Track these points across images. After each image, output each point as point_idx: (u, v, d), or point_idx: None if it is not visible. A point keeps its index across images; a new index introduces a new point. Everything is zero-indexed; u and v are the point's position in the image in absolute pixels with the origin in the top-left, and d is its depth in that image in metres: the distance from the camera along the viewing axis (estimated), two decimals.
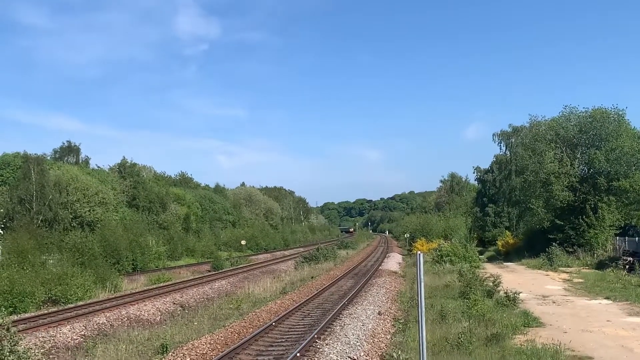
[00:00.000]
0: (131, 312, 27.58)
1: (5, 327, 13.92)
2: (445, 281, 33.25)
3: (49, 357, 18.28)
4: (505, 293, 24.92)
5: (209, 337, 19.60)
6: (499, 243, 66.94)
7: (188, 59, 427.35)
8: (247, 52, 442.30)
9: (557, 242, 47.55)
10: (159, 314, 28.76)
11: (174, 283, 40.35)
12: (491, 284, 27.70)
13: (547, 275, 40.14)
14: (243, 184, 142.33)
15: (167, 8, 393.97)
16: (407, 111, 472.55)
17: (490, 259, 59.91)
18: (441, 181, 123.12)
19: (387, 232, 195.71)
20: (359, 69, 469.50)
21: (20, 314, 26.10)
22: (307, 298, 29.49)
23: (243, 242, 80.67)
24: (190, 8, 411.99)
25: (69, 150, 77.16)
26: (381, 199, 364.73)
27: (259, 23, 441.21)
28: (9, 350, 13.45)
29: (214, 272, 50.46)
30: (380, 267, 50.08)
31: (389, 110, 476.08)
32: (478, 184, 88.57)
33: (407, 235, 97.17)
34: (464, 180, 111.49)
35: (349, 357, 16.05)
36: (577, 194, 49.77)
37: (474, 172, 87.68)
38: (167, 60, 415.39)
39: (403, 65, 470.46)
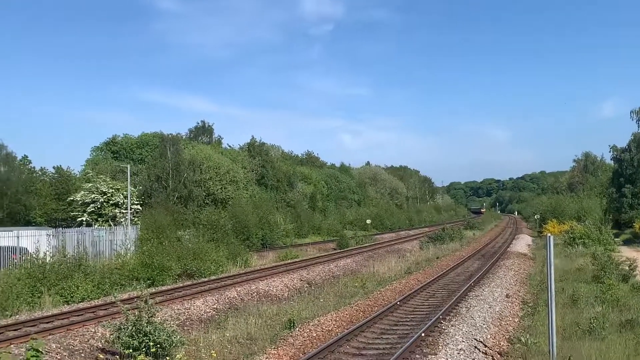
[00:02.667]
0: (260, 287, 28.29)
1: (144, 299, 14.70)
2: (577, 264, 32.10)
3: (183, 329, 19.01)
4: None
5: (334, 314, 19.86)
6: (636, 225, 63.49)
7: (313, 38, 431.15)
8: (371, 30, 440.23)
9: None
10: (287, 289, 29.33)
11: (301, 260, 41.02)
12: (627, 267, 26.49)
13: None
14: (368, 163, 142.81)
15: None
16: (540, 88, 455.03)
17: (627, 242, 57.02)
18: (574, 160, 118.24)
19: (516, 213, 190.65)
20: (484, 45, 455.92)
21: (157, 286, 27.28)
22: (432, 279, 29.30)
23: (368, 221, 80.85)
24: None
25: (203, 130, 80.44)
26: (510, 179, 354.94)
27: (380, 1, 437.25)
28: (146, 321, 14.18)
29: (339, 250, 50.92)
30: (508, 249, 48.90)
31: (519, 87, 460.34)
32: (614, 163, 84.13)
33: (537, 216, 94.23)
34: (599, 159, 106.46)
35: (475, 339, 15.81)
36: None
37: (610, 151, 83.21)
38: (293, 41, 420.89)
39: (534, 40, 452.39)
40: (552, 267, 12.30)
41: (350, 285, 28.67)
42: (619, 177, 77.67)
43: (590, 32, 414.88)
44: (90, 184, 45.83)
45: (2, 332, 16.78)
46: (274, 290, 28.54)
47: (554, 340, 12.04)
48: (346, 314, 20.16)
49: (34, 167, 56.34)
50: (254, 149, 77.26)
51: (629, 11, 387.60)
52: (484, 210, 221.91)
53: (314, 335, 17.02)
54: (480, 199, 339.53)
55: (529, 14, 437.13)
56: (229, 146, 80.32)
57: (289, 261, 40.35)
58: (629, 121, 76.80)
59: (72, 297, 23.61)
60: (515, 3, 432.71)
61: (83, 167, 60.26)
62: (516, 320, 19.44)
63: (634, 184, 72.53)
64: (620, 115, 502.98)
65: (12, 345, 14.63)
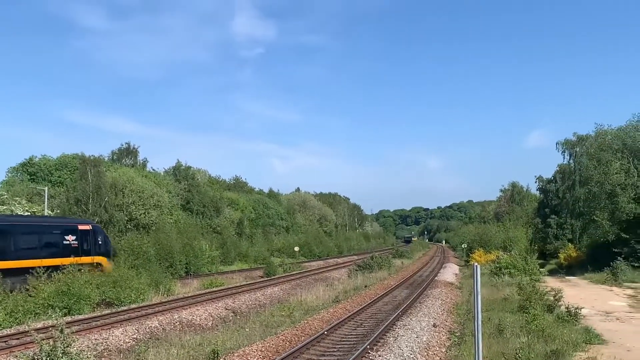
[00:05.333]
0: (183, 316, 27.53)
1: (59, 328, 13.92)
2: (503, 294, 32.29)
3: (101, 359, 18.20)
4: (567, 308, 23.98)
5: (260, 344, 19.39)
6: (561, 256, 64.97)
7: (245, 61, 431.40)
8: (304, 55, 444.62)
9: (622, 256, 45.75)
10: (211, 319, 28.64)
11: (227, 288, 40.27)
12: (552, 298, 26.69)
13: (611, 290, 38.65)
14: (298, 190, 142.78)
15: (225, 10, 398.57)
16: (467, 117, 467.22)
17: (552, 273, 58.09)
18: (501, 190, 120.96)
19: (443, 241, 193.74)
20: (419, 74, 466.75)
21: (74, 315, 26.29)
22: (360, 307, 28.98)
23: (296, 249, 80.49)
24: (247, 10, 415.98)
25: (127, 152, 78.51)
26: (438, 207, 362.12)
27: (316, 26, 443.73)
28: (62, 351, 13.53)
29: (266, 278, 50.27)
30: (436, 278, 49.17)
31: (448, 116, 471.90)
32: (540, 194, 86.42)
33: (464, 245, 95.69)
34: (525, 190, 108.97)
35: None
36: None
37: (535, 182, 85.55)
38: (225, 63, 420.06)
39: (463, 70, 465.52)
40: (479, 297, 12.01)
41: (277, 314, 28.11)
42: (544, 207, 79.59)
43: (520, 63, 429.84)
44: (5, 207, 43.98)
45: None
46: (198, 320, 27.76)
47: None
48: (272, 344, 19.61)
49: None
50: (180, 172, 76.10)
51: (553, 43, 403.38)
52: (415, 238, 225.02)
53: None
54: (409, 227, 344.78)
55: (461, 44, 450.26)
56: (154, 169, 78.82)
57: (214, 289, 39.54)
58: (555, 152, 78.96)
59: None
60: (450, 33, 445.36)
61: None
62: (443, 350, 19.20)
63: (558, 215, 74.37)
64: (547, 146, 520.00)
65: None
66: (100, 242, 37.25)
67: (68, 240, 34.21)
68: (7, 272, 28.27)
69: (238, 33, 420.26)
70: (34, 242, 31.95)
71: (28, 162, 64.43)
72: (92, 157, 56.06)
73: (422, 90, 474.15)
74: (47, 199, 44.08)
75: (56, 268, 29.50)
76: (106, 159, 70.04)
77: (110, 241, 40.25)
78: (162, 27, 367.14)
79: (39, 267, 28.26)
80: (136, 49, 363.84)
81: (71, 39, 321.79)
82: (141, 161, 79.90)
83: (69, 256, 32.90)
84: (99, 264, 36.07)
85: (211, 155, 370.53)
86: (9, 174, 64.14)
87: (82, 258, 33.94)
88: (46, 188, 47.06)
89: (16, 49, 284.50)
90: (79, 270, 29.66)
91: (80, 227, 36.13)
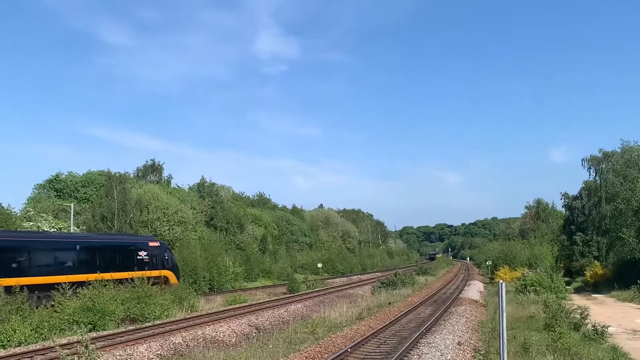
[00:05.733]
0: (207, 332, 27.53)
1: (84, 344, 13.99)
2: (529, 312, 31.96)
3: None
4: (593, 326, 23.72)
5: None
6: (587, 274, 64.28)
7: (267, 78, 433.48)
8: (325, 71, 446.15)
9: None
10: (234, 335, 28.61)
11: (250, 304, 40.25)
12: (578, 316, 26.41)
13: (638, 308, 38.21)
14: (321, 206, 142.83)
15: (247, 28, 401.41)
16: (489, 132, 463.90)
17: (578, 290, 57.53)
18: (526, 207, 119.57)
19: (468, 258, 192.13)
20: (438, 89, 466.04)
21: (99, 331, 26.39)
22: (384, 325, 28.81)
23: (320, 265, 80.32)
24: (270, 29, 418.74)
25: (152, 169, 79.14)
26: (462, 224, 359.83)
27: (335, 42, 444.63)
28: None
29: (289, 295, 50.24)
30: (460, 295, 48.78)
31: (471, 133, 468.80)
32: (565, 210, 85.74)
33: (489, 262, 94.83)
34: (550, 206, 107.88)
35: None
36: None
37: (561, 199, 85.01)
38: (247, 80, 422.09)
39: (483, 86, 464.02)
40: (504, 315, 11.96)
41: (300, 331, 27.97)
42: (570, 224, 78.95)
43: (542, 78, 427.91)
44: (32, 223, 44.48)
45: None
46: (221, 336, 27.77)
47: None
48: None
49: None
50: (204, 189, 76.51)
51: (577, 57, 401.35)
52: (439, 255, 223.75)
53: None
54: (432, 244, 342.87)
55: (481, 60, 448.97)
56: (178, 186, 79.33)
57: (237, 305, 39.54)
58: (580, 168, 78.33)
59: (8, 341, 22.60)
60: (470, 49, 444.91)
61: (24, 205, 58.67)
62: None
63: (584, 232, 73.66)
64: (572, 162, 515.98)
65: None
66: (167, 258, 42.49)
67: (141, 256, 39.26)
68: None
69: (262, 50, 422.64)
70: (114, 257, 37.29)
71: (54, 179, 65.25)
72: (117, 174, 56.67)
73: (442, 104, 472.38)
74: (73, 215, 44.49)
75: (132, 280, 33.43)
76: (131, 175, 70.74)
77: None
78: (184, 44, 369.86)
79: (120, 278, 33.75)
80: (158, 66, 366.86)
81: (94, 56, 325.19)
82: (166, 178, 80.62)
83: (143, 269, 37.60)
84: (166, 278, 40.89)
85: (234, 171, 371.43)
86: (36, 191, 64.94)
87: (152, 272, 38.31)
88: (72, 204, 47.53)
89: (40, 64, 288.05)
90: (151, 283, 33.56)
91: (150, 243, 41.37)
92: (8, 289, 25.98)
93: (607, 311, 35.52)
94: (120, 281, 33.06)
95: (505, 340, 11.84)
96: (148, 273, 36.19)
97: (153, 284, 33.81)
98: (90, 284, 29.84)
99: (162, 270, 40.98)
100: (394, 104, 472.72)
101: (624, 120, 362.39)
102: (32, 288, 27.81)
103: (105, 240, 38.93)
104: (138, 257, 38.94)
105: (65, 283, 28.59)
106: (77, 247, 34.43)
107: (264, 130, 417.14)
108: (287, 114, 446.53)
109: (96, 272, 32.66)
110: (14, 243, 30.79)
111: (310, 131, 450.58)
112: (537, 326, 26.46)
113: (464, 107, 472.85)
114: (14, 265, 29.58)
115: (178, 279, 42.59)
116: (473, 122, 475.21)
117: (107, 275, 32.47)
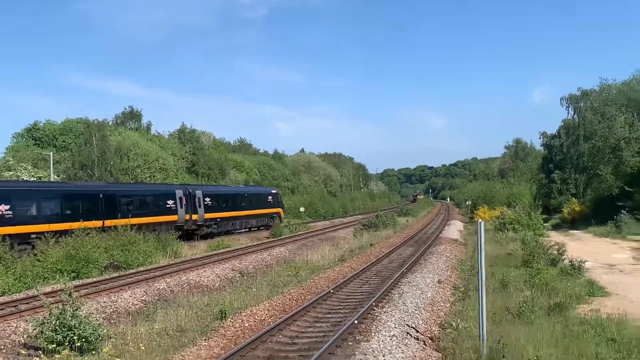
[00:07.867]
0: (191, 278, 27.72)
1: (68, 292, 14.10)
2: (507, 249, 32.57)
3: (110, 322, 18.46)
4: (570, 262, 24.31)
5: (267, 304, 19.60)
6: (565, 211, 65.18)
7: (248, 23, 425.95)
8: (307, 16, 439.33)
9: (626, 209, 46.01)
10: (218, 280, 28.84)
11: (233, 249, 40.48)
12: (555, 252, 27.01)
13: (614, 243, 39.02)
14: (302, 151, 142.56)
15: None
16: (471, 74, 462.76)
17: (556, 227, 58.47)
18: (505, 147, 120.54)
19: (448, 199, 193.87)
20: (422, 33, 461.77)
21: (83, 279, 26.34)
22: (366, 266, 29.30)
23: (302, 209, 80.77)
24: None
25: (131, 116, 78.04)
26: (443, 165, 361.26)
27: None
28: (70, 314, 13.63)
29: (272, 239, 50.49)
30: (440, 235, 49.49)
31: (452, 74, 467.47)
32: (544, 149, 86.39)
33: (468, 202, 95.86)
34: (529, 146, 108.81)
35: (407, 324, 15.78)
36: None
37: (540, 138, 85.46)
38: (227, 25, 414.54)
39: (468, 26, 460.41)
40: (483, 253, 12.30)
41: (283, 274, 28.36)
42: (548, 163, 79.70)
43: (522, 18, 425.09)
44: (11, 172, 44.18)
45: None
46: (205, 281, 28.03)
47: (485, 324, 12.04)
48: (279, 303, 19.92)
49: None
50: (185, 135, 75.99)
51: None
52: (421, 196, 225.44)
53: (246, 325, 16.71)
54: (413, 185, 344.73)
55: (463, 3, 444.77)
56: (158, 133, 78.71)
57: (221, 251, 39.70)
58: (559, 108, 78.66)
59: None
60: None
61: (3, 154, 58.19)
62: (447, 305, 19.56)
63: (562, 170, 74.41)
64: (552, 102, 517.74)
65: None
66: (280, 200, 65.01)
67: (270, 199, 61.76)
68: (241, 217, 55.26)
69: None
70: (251, 201, 57.93)
71: (32, 128, 64.41)
72: (96, 122, 55.91)
73: (425, 49, 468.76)
74: (53, 164, 44.19)
75: (265, 216, 60.10)
76: (110, 122, 69.88)
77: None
78: None
79: (258, 214, 58.31)
80: (136, 11, 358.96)
81: (70, 1, 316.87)
82: (145, 125, 79.50)
83: (271, 208, 61.30)
84: (279, 214, 63.05)
85: (215, 118, 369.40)
86: (14, 140, 64.27)
87: (275, 209, 62.44)
88: (51, 153, 47.18)
89: (15, 12, 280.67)
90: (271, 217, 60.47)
91: (272, 191, 64.55)
92: None
93: (584, 247, 36.25)
94: (254, 217, 57.36)
95: (484, 277, 12.19)
96: (274, 210, 61.75)
97: (272, 217, 60.38)
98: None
99: (278, 209, 63.19)
100: (377, 49, 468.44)
101: (602, 58, 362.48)
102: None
103: (253, 192, 62.74)
104: (269, 200, 61.53)
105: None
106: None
107: (246, 76, 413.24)
108: (267, 58, 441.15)
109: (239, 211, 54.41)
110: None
111: (293, 76, 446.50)
112: (516, 263, 27.06)
113: (446, 50, 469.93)
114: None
115: (284, 214, 65.25)
116: (456, 64, 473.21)
117: (245, 213, 55.17)
